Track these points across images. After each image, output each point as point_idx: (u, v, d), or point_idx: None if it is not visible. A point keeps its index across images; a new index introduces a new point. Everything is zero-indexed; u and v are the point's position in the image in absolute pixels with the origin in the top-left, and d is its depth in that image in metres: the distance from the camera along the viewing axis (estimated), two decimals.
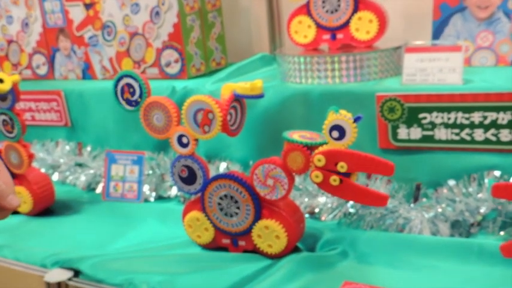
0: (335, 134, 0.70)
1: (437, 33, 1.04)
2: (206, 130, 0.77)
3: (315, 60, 0.99)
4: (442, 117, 0.87)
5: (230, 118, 0.78)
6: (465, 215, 0.82)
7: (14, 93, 1.02)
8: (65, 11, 1.34)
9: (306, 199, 0.95)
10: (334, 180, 0.71)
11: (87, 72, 1.37)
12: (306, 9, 1.08)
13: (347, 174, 0.71)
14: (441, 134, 0.88)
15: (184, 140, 0.80)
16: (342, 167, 0.70)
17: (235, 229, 0.82)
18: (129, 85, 0.81)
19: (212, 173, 0.86)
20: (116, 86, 0.81)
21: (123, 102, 0.82)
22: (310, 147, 0.73)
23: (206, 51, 1.27)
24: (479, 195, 0.83)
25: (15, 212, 1.11)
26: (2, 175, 0.58)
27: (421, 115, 0.88)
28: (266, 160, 0.76)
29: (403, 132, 0.90)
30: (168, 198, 1.11)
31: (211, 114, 0.76)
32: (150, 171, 1.14)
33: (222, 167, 1.07)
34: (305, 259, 0.79)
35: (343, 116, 0.69)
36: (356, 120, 0.69)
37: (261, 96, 0.76)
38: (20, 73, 1.48)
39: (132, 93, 0.81)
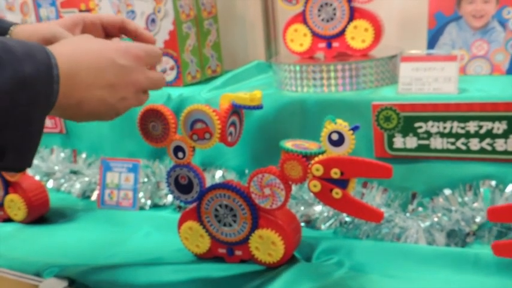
0: (333, 144, 0.70)
1: (432, 41, 1.04)
2: (201, 142, 0.77)
3: (311, 68, 1.00)
4: (438, 127, 0.87)
5: (230, 134, 0.78)
6: (461, 224, 0.83)
7: None
8: (60, 18, 1.33)
9: (302, 208, 0.95)
10: (337, 193, 0.71)
11: None
12: (302, 18, 1.08)
13: (345, 183, 0.72)
14: (437, 143, 0.88)
15: (181, 149, 0.80)
16: (336, 173, 0.71)
17: (232, 239, 0.82)
18: None
19: (208, 182, 0.86)
20: None
21: None
22: (308, 157, 0.73)
23: (202, 59, 1.27)
24: (475, 205, 0.84)
25: (9, 220, 1.10)
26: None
27: (416, 124, 0.89)
28: (263, 170, 0.76)
29: (398, 141, 0.90)
30: (164, 206, 1.11)
31: (208, 134, 0.76)
32: (146, 179, 1.13)
33: (218, 175, 1.07)
34: (301, 268, 0.79)
35: (342, 127, 0.69)
36: (354, 129, 0.69)
37: (260, 107, 0.76)
38: None
39: None
